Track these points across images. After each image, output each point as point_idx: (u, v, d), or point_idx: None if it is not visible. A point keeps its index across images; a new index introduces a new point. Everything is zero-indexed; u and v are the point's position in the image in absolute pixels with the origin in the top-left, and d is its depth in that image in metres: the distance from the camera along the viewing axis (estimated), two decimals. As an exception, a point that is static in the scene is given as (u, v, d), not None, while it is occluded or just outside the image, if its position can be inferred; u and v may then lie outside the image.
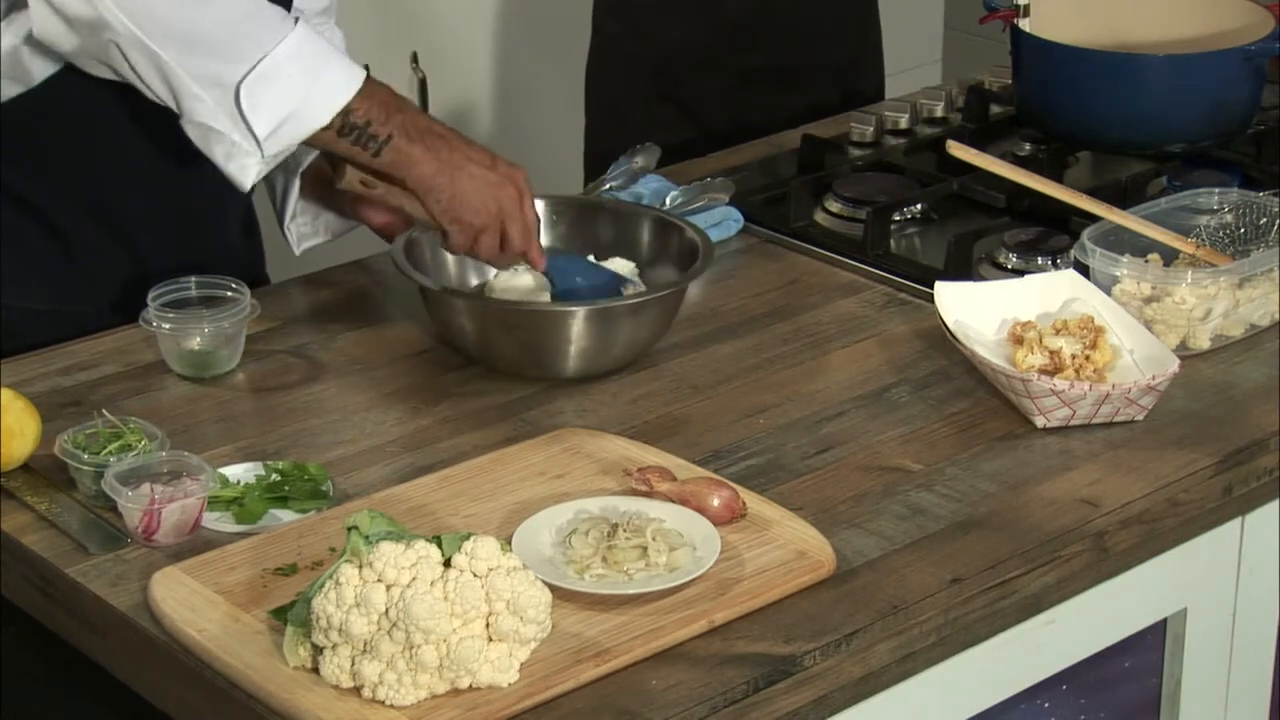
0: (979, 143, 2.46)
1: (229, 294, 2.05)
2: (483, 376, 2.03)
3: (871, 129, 2.61)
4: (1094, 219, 2.17)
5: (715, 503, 1.73)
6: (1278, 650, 2.04)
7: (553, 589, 1.57)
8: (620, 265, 2.15)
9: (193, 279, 2.06)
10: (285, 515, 1.78)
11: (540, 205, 2.18)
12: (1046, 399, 1.89)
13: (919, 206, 2.40)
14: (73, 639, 1.74)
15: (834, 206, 2.40)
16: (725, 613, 1.62)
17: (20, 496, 1.81)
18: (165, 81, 1.95)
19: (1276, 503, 1.95)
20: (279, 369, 2.06)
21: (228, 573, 1.67)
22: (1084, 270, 2.08)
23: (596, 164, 2.78)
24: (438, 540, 1.54)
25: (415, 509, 1.76)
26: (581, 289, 2.08)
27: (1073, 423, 1.92)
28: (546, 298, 2.09)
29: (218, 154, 1.98)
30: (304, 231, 2.24)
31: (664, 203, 2.33)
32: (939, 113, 2.69)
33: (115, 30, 1.92)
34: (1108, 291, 2.05)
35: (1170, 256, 2.14)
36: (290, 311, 2.17)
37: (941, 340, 2.03)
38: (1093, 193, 2.25)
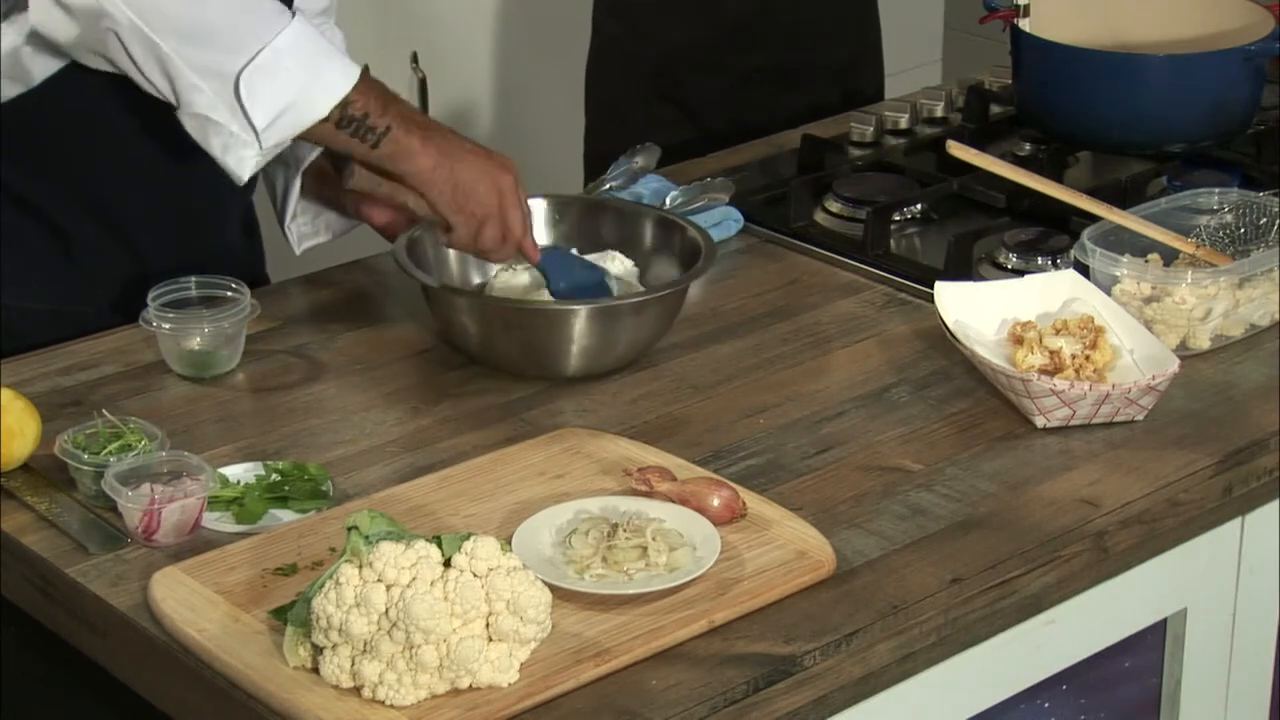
0: (979, 143, 2.46)
1: (229, 294, 2.05)
2: (483, 376, 2.03)
3: (871, 129, 2.61)
4: (1094, 219, 2.17)
5: (715, 503, 1.73)
6: (1278, 650, 2.05)
7: (553, 589, 1.57)
8: (618, 264, 2.15)
9: (193, 279, 2.06)
10: (285, 515, 1.78)
11: (541, 204, 2.18)
12: (1046, 399, 1.89)
13: (919, 206, 2.40)
14: (73, 639, 1.74)
15: (834, 206, 2.40)
16: (725, 613, 1.62)
17: (20, 496, 1.81)
18: (164, 72, 1.95)
19: (1276, 503, 1.95)
20: (279, 369, 2.06)
21: (228, 573, 1.67)
22: (1084, 270, 2.08)
23: (596, 164, 2.78)
24: (438, 540, 1.54)
25: (415, 509, 1.76)
26: (576, 286, 2.08)
27: (1073, 423, 1.92)
28: (547, 297, 2.09)
29: (215, 146, 1.98)
30: (305, 231, 2.25)
31: (664, 203, 2.33)
32: (939, 113, 2.69)
33: (115, 19, 1.92)
34: (1108, 291, 2.05)
35: (1170, 256, 2.14)
36: (290, 311, 2.17)
37: (941, 340, 2.03)
38: (1093, 193, 2.25)
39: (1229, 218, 2.20)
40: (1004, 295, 2.05)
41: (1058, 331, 1.97)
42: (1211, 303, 2.04)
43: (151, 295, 2.03)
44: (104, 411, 1.87)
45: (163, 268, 2.11)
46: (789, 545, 1.70)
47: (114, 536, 1.75)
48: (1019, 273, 2.20)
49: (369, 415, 1.96)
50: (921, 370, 2.04)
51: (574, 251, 2.15)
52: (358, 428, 1.94)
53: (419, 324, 2.12)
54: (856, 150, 2.59)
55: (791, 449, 1.89)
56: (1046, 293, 2.05)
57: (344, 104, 1.96)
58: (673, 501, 1.74)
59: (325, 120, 1.96)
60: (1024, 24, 2.54)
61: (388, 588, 1.51)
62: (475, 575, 1.52)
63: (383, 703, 1.51)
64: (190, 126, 1.98)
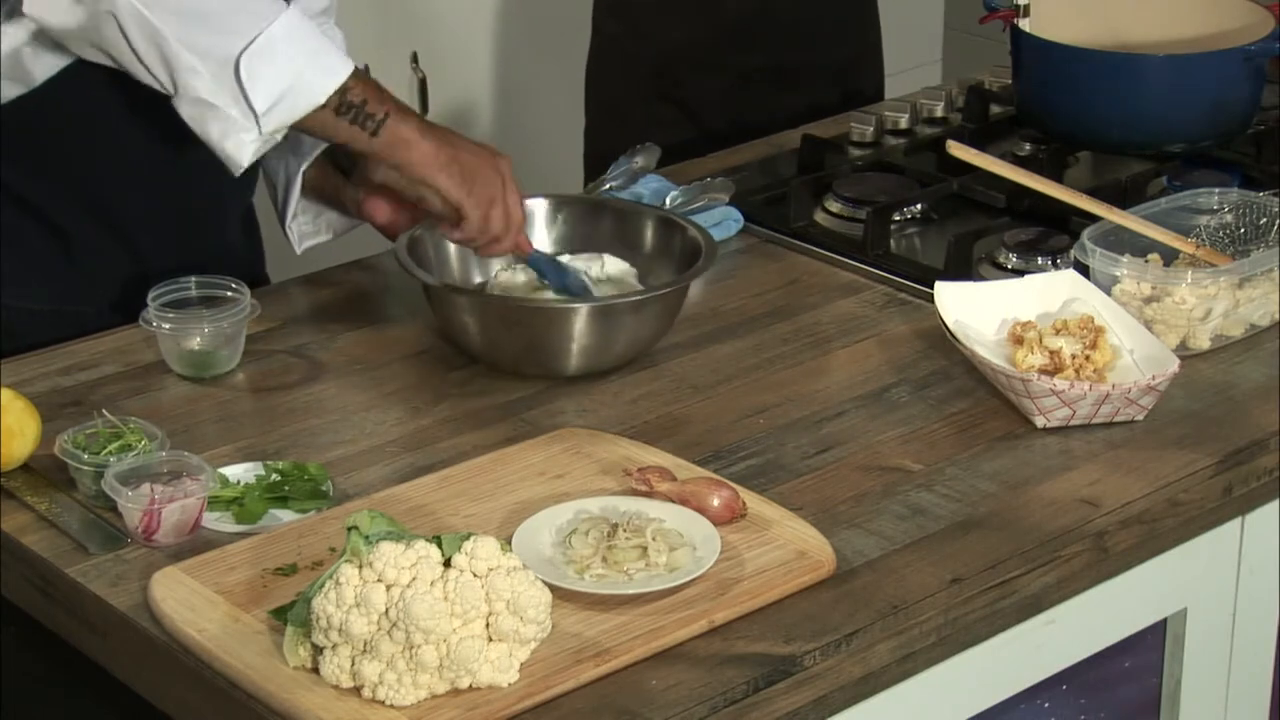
0: (979, 143, 2.46)
1: (229, 294, 2.05)
2: (483, 376, 2.03)
3: (871, 129, 2.61)
4: (1094, 219, 2.17)
5: (715, 503, 1.73)
6: (1278, 650, 2.05)
7: (553, 589, 1.57)
8: (611, 265, 2.15)
9: (193, 279, 2.06)
10: (285, 515, 1.78)
11: (541, 204, 2.19)
12: (1046, 399, 1.89)
13: (919, 206, 2.40)
14: (73, 639, 1.74)
15: (834, 206, 2.40)
16: (725, 613, 1.62)
17: (20, 496, 1.81)
18: (161, 57, 1.94)
19: (1276, 503, 1.95)
20: (279, 369, 2.06)
21: (228, 573, 1.67)
22: (1084, 270, 2.08)
23: (596, 164, 2.78)
24: (438, 540, 1.54)
25: (415, 509, 1.76)
26: (568, 286, 2.08)
27: (1073, 423, 1.92)
28: (548, 295, 2.09)
29: (213, 132, 1.97)
30: (306, 230, 2.25)
31: (664, 203, 2.33)
32: (939, 113, 2.69)
33: (114, 1, 1.92)
34: (1108, 291, 2.05)
35: (1170, 256, 2.14)
36: (290, 311, 2.17)
37: (941, 340, 2.03)
38: (1093, 193, 2.25)
39: (1229, 218, 2.20)
40: (1004, 295, 2.05)
41: (1058, 331, 1.97)
42: (1211, 303, 2.04)
43: (151, 295, 2.03)
44: (104, 411, 1.87)
45: (163, 268, 2.11)
46: (789, 545, 1.70)
47: (114, 536, 1.75)
48: (1019, 273, 2.20)
49: (369, 415, 1.96)
50: (921, 370, 2.04)
51: (565, 257, 2.16)
52: (358, 428, 1.94)
53: (419, 324, 2.12)
54: (856, 150, 2.59)
55: (791, 449, 1.89)
56: (1046, 293, 2.05)
57: (342, 90, 1.97)
58: (673, 501, 1.74)
59: (324, 107, 1.96)
60: (1024, 24, 2.54)
61: (388, 588, 1.51)
62: (475, 575, 1.52)
63: (383, 703, 1.51)
64: (187, 114, 1.97)
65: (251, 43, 1.94)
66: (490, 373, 2.03)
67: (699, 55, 2.86)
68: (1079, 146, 2.54)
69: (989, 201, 2.37)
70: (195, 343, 2.02)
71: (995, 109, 2.67)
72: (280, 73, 1.94)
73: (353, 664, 1.51)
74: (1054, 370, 1.93)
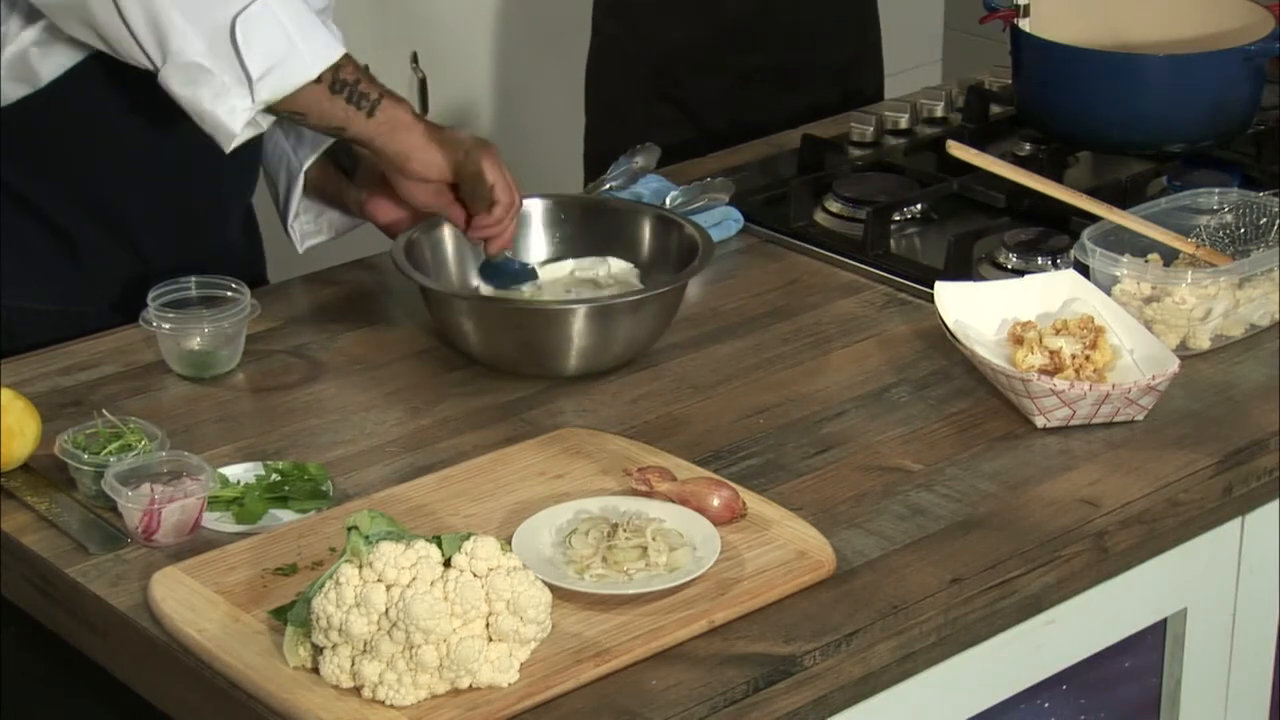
0: (979, 143, 2.46)
1: (229, 294, 2.05)
2: (483, 376, 2.03)
3: (871, 129, 2.61)
4: (1094, 219, 2.17)
5: (715, 503, 1.73)
6: (1278, 650, 2.05)
7: (553, 589, 1.57)
8: (614, 266, 2.15)
9: (193, 279, 2.06)
10: (285, 515, 1.78)
11: (541, 204, 2.19)
12: (1046, 399, 1.89)
13: (919, 206, 2.40)
14: (73, 639, 1.74)
15: (834, 206, 2.40)
16: (725, 613, 1.62)
17: (20, 496, 1.81)
18: (152, 23, 1.92)
19: (1276, 503, 1.95)
20: (279, 369, 2.06)
21: (228, 573, 1.67)
22: (1084, 270, 2.08)
23: (596, 164, 2.78)
24: (438, 540, 1.54)
25: (415, 509, 1.76)
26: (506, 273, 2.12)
27: (1073, 423, 1.92)
28: (545, 297, 2.10)
29: (205, 98, 1.94)
30: (307, 230, 2.25)
31: (664, 203, 2.33)
32: (939, 113, 2.69)
33: None
34: (1108, 291, 2.05)
35: (1170, 256, 2.14)
36: (290, 311, 2.17)
37: (941, 340, 2.03)
38: (1093, 193, 2.25)
39: (1229, 218, 2.20)
40: (1004, 295, 2.05)
41: (1058, 331, 1.97)
42: (1211, 303, 2.04)
43: (151, 295, 2.03)
44: (104, 411, 1.87)
45: (163, 268, 2.11)
46: (789, 545, 1.70)
47: (114, 536, 1.75)
48: (1019, 273, 2.20)
49: (369, 415, 1.96)
50: (921, 370, 2.04)
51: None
52: (358, 428, 1.94)
53: (419, 324, 2.12)
54: (856, 150, 2.59)
55: (791, 449, 1.89)
56: (1046, 293, 2.05)
57: (336, 67, 1.96)
58: (673, 501, 1.74)
59: (318, 83, 1.95)
60: (1024, 24, 2.54)
61: (388, 588, 1.51)
62: (475, 575, 1.52)
63: (383, 703, 1.51)
64: (177, 83, 1.94)
65: (246, 7, 1.92)
66: (490, 373, 2.03)
67: (699, 55, 2.86)
68: (1079, 146, 2.54)
69: (989, 201, 2.37)
70: (195, 343, 2.02)
71: (995, 109, 2.67)
72: (275, 40, 1.93)
73: (353, 664, 1.52)
74: (1054, 370, 1.93)
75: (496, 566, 1.53)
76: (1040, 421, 1.92)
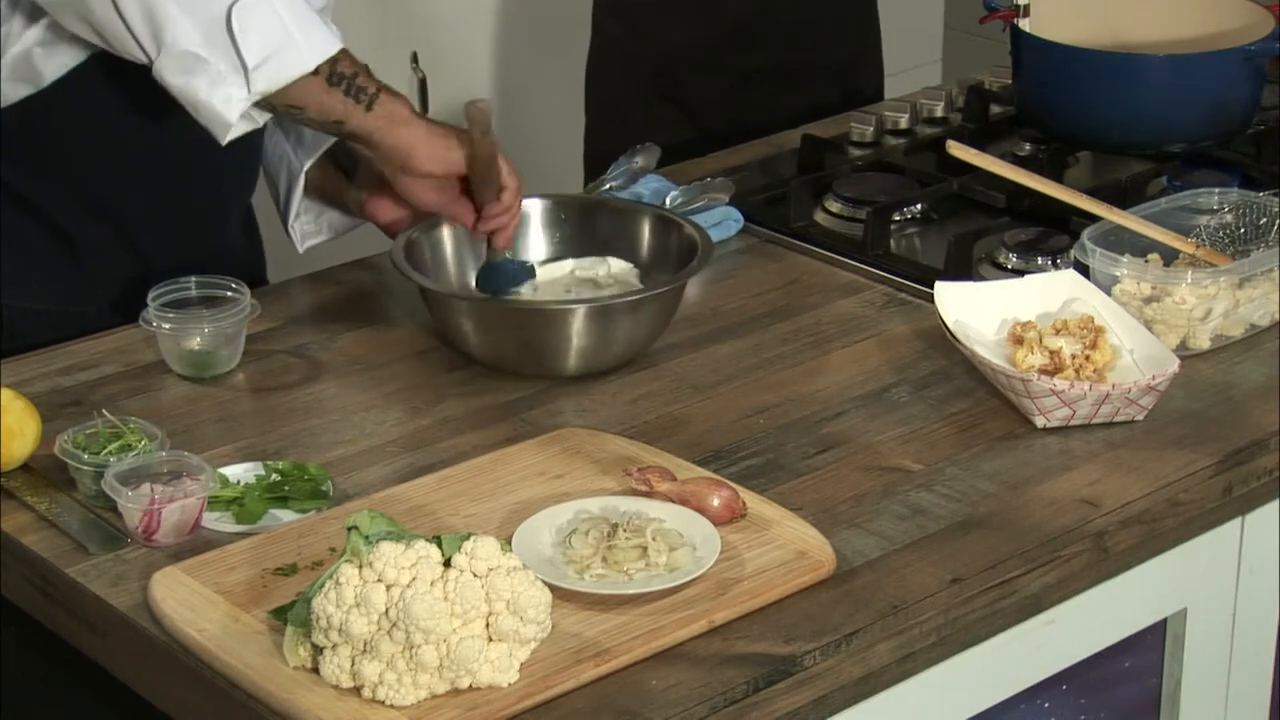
0: (979, 143, 2.46)
1: (229, 294, 2.05)
2: (483, 376, 2.03)
3: (871, 129, 2.61)
4: (1094, 219, 2.17)
5: (715, 503, 1.73)
6: (1278, 650, 2.05)
7: (553, 589, 1.57)
8: (620, 265, 2.15)
9: (193, 279, 2.06)
10: (285, 515, 1.78)
11: (541, 204, 2.19)
12: (1046, 399, 1.89)
13: (919, 206, 2.40)
14: (73, 639, 1.74)
15: (834, 206, 2.40)
16: (725, 613, 1.62)
17: (20, 496, 1.81)
18: (148, 14, 1.91)
19: (1276, 503, 1.95)
20: (279, 369, 2.06)
21: (228, 573, 1.67)
22: (1084, 270, 2.08)
23: (596, 164, 2.78)
24: (438, 540, 1.54)
25: (415, 509, 1.76)
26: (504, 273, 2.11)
27: (1073, 423, 1.92)
28: (544, 297, 2.10)
29: (200, 87, 1.94)
30: (308, 230, 2.25)
31: (664, 203, 2.33)
32: (939, 113, 2.69)
33: None
34: (1108, 291, 2.05)
35: (1170, 256, 2.14)
36: (290, 311, 2.17)
37: (941, 340, 2.03)
38: (1093, 193, 2.25)
39: (1229, 218, 2.20)
40: (1004, 295, 2.05)
41: (1058, 331, 1.97)
42: (1211, 303, 2.04)
43: (151, 295, 2.03)
44: (104, 411, 1.87)
45: (164, 268, 2.11)
46: (789, 545, 1.70)
47: (114, 536, 1.75)
48: (1019, 273, 2.20)
49: (369, 415, 1.96)
50: (921, 370, 2.04)
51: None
52: (358, 428, 1.94)
53: (419, 324, 2.12)
54: (856, 150, 2.59)
55: (791, 449, 1.89)
56: (1046, 293, 2.05)
57: (333, 61, 1.96)
58: (673, 501, 1.74)
59: (315, 75, 1.95)
60: (1024, 24, 2.54)
61: (388, 588, 1.51)
62: (475, 575, 1.52)
63: (383, 703, 1.51)
64: (172, 73, 1.93)
65: None
66: (490, 373, 2.03)
67: (699, 55, 2.86)
68: (1079, 146, 2.54)
69: (989, 201, 2.37)
70: (195, 343, 2.02)
71: (995, 109, 2.67)
72: (271, 30, 1.92)
73: (353, 664, 1.52)
74: (1054, 370, 1.93)
75: (496, 566, 1.53)
76: (1040, 421, 1.92)
